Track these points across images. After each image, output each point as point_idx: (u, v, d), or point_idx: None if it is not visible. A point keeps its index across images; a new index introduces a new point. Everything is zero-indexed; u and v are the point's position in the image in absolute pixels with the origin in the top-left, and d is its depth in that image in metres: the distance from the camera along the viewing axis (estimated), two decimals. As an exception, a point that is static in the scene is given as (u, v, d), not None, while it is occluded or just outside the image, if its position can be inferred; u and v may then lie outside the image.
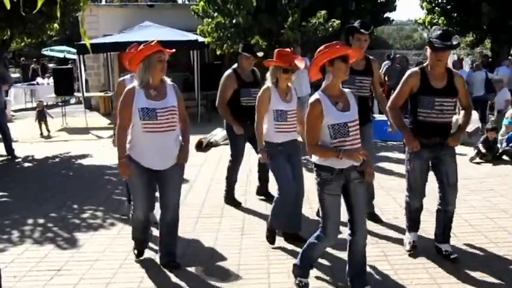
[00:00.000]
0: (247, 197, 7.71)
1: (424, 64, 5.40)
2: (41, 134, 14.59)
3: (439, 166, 5.36)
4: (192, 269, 5.34)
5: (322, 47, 4.47)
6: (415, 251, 5.56)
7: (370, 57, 6.48)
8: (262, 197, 7.65)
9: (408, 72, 5.48)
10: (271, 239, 5.91)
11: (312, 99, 4.48)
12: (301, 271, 4.81)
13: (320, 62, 4.45)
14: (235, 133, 7.13)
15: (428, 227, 6.06)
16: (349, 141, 4.40)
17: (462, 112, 5.55)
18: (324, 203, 4.50)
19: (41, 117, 14.59)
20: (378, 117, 10.17)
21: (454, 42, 5.15)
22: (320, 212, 4.63)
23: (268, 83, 5.78)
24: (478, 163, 9.96)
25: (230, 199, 7.54)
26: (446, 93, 5.21)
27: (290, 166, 5.82)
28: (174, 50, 5.27)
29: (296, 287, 4.81)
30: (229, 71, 7.30)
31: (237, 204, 7.45)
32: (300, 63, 5.83)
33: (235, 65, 7.36)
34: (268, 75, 5.81)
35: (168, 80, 5.25)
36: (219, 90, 7.31)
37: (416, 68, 5.41)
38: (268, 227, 5.94)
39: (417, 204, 5.51)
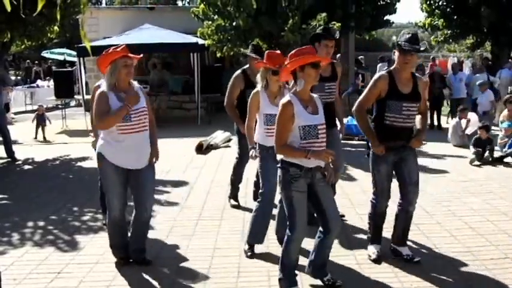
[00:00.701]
0: (247, 199, 7.70)
1: (391, 68, 5.45)
2: (36, 137, 14.34)
3: (402, 166, 5.40)
4: (192, 272, 5.35)
5: (293, 52, 4.68)
6: (380, 259, 5.51)
7: (334, 61, 6.61)
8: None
9: (376, 75, 5.53)
10: (251, 254, 5.74)
11: (284, 100, 4.67)
12: (287, 281, 4.80)
13: (291, 67, 4.63)
14: (242, 133, 7.13)
15: (427, 229, 6.06)
16: (318, 142, 4.61)
17: (418, 117, 5.64)
18: (292, 200, 4.61)
19: (40, 121, 14.39)
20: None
21: (422, 48, 5.28)
22: (286, 210, 4.70)
23: (259, 86, 5.77)
24: (479, 165, 9.96)
25: (233, 198, 7.60)
26: (412, 99, 5.30)
27: None
28: (141, 56, 5.53)
29: None
30: (238, 71, 7.30)
31: (236, 205, 7.48)
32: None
33: (246, 66, 7.35)
34: (258, 76, 5.80)
35: (135, 83, 5.45)
36: (227, 91, 7.31)
37: (384, 72, 5.45)
38: (247, 242, 5.85)
39: (384, 206, 5.52)
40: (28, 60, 33.75)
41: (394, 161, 5.37)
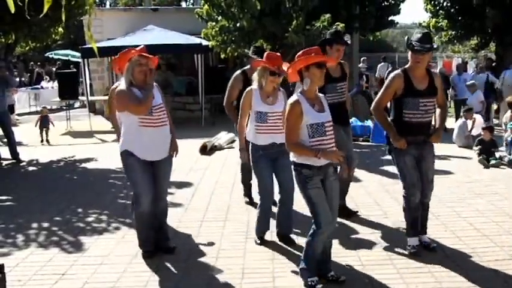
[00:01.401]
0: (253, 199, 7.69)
1: (406, 66, 5.57)
2: (42, 140, 14.18)
3: (422, 163, 5.59)
4: (197, 273, 5.35)
5: (300, 53, 4.81)
6: (418, 253, 5.62)
7: (342, 61, 6.75)
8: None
9: (392, 74, 5.62)
10: (260, 242, 6.07)
11: (291, 100, 4.79)
12: (308, 272, 4.90)
13: (297, 67, 4.76)
14: None
15: (431, 230, 6.05)
16: (326, 140, 4.72)
17: (438, 110, 5.75)
18: (312, 198, 4.73)
19: (44, 123, 14.28)
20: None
21: (434, 46, 5.46)
22: (309, 208, 4.82)
23: (254, 84, 5.90)
24: (487, 166, 9.88)
25: (246, 196, 7.77)
26: (429, 94, 5.45)
27: (276, 170, 5.94)
28: (157, 57, 5.86)
29: (307, 287, 4.84)
30: (238, 72, 7.33)
31: (252, 203, 7.55)
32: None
33: (247, 67, 7.37)
34: (255, 75, 5.91)
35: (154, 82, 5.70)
36: (227, 91, 7.35)
37: (399, 71, 5.55)
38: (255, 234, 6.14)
39: (417, 198, 5.60)
40: (32, 63, 33.84)
41: (416, 155, 5.53)
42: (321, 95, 4.94)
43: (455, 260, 5.49)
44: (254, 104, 5.83)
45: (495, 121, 15.26)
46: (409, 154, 5.49)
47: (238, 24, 13.83)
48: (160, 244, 5.86)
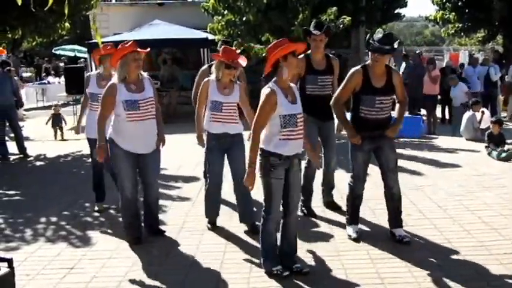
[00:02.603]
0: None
1: (366, 63, 5.67)
2: (55, 138, 14.16)
3: (379, 154, 5.72)
4: (204, 267, 5.35)
5: (271, 46, 4.95)
6: (359, 239, 5.81)
7: (331, 55, 6.85)
8: None
9: (352, 70, 5.72)
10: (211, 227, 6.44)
11: (267, 89, 4.86)
12: (270, 262, 5.05)
13: (274, 59, 4.84)
14: None
15: (439, 223, 6.02)
16: (296, 131, 4.85)
17: (397, 105, 5.86)
18: (271, 187, 4.90)
19: (57, 122, 14.19)
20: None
21: (395, 46, 5.51)
22: (264, 194, 4.98)
23: (212, 76, 6.11)
24: (501, 159, 9.80)
25: None
26: (385, 92, 5.54)
27: (229, 160, 6.21)
28: (148, 49, 6.04)
29: (275, 277, 4.95)
30: (204, 66, 7.33)
31: None
32: (243, 61, 6.06)
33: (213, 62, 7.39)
34: (213, 68, 6.14)
35: (145, 74, 5.98)
36: (194, 84, 7.28)
37: (359, 67, 5.66)
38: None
39: (361, 189, 5.84)
40: (37, 57, 33.94)
41: (371, 149, 5.66)
42: (293, 85, 5.06)
43: (463, 253, 5.47)
44: (210, 94, 6.05)
45: (503, 114, 15.22)
46: (362, 150, 5.63)
47: (244, 18, 13.80)
48: (150, 228, 6.23)
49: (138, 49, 5.72)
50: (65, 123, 14.64)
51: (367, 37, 5.68)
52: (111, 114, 5.82)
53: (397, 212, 5.85)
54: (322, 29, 6.53)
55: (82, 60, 25.88)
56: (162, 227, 6.37)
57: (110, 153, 5.88)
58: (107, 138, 5.84)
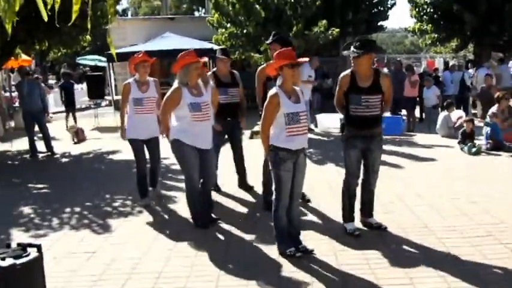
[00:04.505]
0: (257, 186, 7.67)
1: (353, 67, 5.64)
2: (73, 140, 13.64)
3: (368, 155, 5.60)
4: (211, 253, 5.35)
5: (278, 52, 5.03)
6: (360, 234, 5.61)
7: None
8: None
9: (342, 74, 5.69)
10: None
11: (271, 92, 4.93)
12: (283, 245, 5.08)
13: (273, 67, 4.99)
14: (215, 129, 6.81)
15: (418, 210, 6.01)
16: (300, 127, 4.91)
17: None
18: (281, 178, 4.94)
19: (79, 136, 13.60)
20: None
21: (372, 49, 5.51)
22: (274, 184, 5.02)
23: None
24: (472, 154, 9.82)
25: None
26: (371, 92, 5.45)
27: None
28: (206, 59, 6.46)
29: (288, 257, 4.96)
30: (209, 72, 7.27)
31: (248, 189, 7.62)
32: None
33: (214, 68, 7.40)
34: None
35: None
36: None
37: (348, 71, 5.62)
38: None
39: (355, 184, 5.72)
40: (64, 64, 33.97)
41: (362, 148, 5.56)
42: (297, 88, 5.05)
43: (438, 236, 5.47)
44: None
45: (473, 111, 15.23)
46: (355, 147, 5.54)
47: (245, 31, 13.80)
48: (210, 216, 6.18)
49: (199, 59, 5.91)
50: (83, 132, 14.34)
51: (342, 47, 5.65)
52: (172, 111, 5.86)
53: (371, 204, 5.84)
54: (276, 40, 6.48)
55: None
56: (174, 216, 6.38)
57: (177, 152, 5.92)
58: (171, 140, 5.89)
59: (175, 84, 5.86)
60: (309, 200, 6.82)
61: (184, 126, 5.81)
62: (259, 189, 7.10)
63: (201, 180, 6.07)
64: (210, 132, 6.04)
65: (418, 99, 15.05)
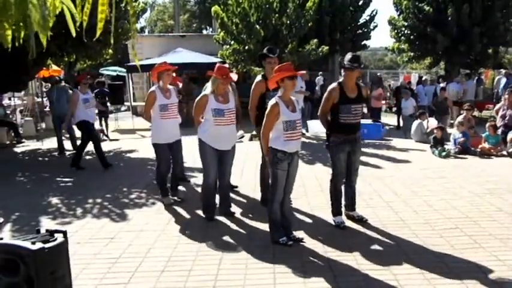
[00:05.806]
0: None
1: (340, 80, 5.59)
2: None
3: (351, 156, 5.60)
4: (213, 242, 5.33)
5: (278, 67, 4.99)
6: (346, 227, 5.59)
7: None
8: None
9: (329, 87, 5.62)
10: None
11: (272, 102, 4.92)
12: (277, 234, 5.07)
13: (275, 80, 4.93)
14: None
15: (395, 206, 5.99)
16: (296, 133, 4.90)
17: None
18: (276, 176, 4.95)
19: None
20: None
21: (361, 65, 5.53)
22: (271, 180, 5.01)
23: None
24: (444, 157, 9.82)
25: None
26: (358, 101, 5.50)
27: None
28: (236, 77, 5.99)
29: (281, 245, 4.95)
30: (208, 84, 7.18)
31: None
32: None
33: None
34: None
35: (230, 89, 5.99)
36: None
37: (335, 84, 5.56)
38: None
39: (341, 183, 5.69)
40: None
41: (348, 151, 5.56)
42: (294, 98, 5.04)
43: (412, 229, 5.47)
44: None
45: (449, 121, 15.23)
46: (343, 151, 5.52)
47: (246, 47, 13.78)
48: (225, 210, 6.09)
49: (229, 73, 5.76)
50: (106, 132, 14.38)
51: (340, 59, 5.63)
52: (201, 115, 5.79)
53: (353, 199, 5.82)
54: (275, 53, 6.21)
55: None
56: (181, 212, 6.31)
57: (200, 150, 5.86)
58: (198, 137, 5.85)
59: (205, 91, 5.91)
60: (236, 186, 6.96)
61: (207, 128, 5.76)
62: (256, 188, 7.08)
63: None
64: (232, 136, 5.94)
65: (395, 108, 15.10)
